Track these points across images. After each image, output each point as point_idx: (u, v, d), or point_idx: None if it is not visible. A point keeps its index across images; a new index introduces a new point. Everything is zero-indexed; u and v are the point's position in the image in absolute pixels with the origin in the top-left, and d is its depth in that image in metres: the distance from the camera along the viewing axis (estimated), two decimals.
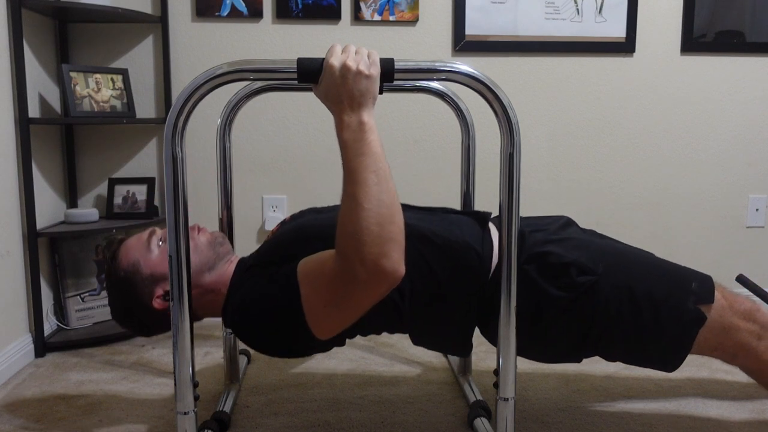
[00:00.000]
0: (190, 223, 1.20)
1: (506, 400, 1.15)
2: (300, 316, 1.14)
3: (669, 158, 2.41)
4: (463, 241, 1.30)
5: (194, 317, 1.25)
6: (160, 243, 1.32)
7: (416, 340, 1.39)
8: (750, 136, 2.42)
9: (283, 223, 1.46)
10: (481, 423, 1.43)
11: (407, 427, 1.48)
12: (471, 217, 1.41)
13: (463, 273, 1.28)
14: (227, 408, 1.53)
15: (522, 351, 1.31)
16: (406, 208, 1.39)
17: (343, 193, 1.09)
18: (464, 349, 1.38)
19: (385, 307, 1.23)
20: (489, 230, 1.36)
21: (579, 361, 1.37)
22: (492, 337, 1.35)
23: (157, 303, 1.28)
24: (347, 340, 1.32)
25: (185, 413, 1.11)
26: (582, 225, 1.51)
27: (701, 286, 1.31)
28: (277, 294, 1.17)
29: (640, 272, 1.31)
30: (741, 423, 1.49)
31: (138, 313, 1.31)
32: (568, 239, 1.36)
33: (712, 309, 1.29)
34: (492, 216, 1.43)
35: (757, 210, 2.45)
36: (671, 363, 1.33)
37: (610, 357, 1.36)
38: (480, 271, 1.29)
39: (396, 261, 1.07)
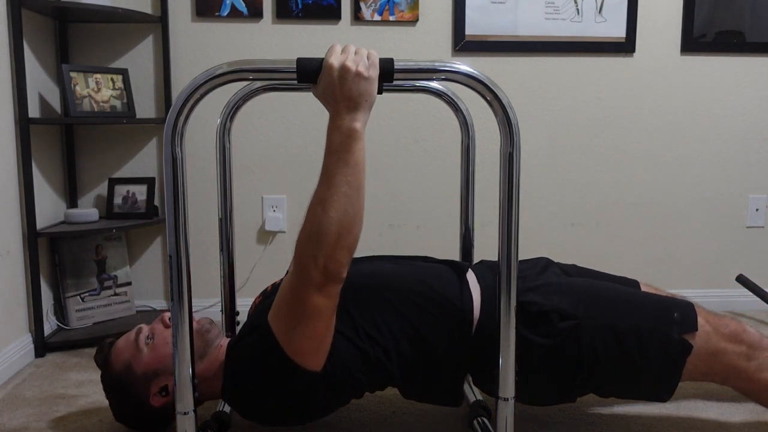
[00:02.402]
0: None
1: (506, 400, 1.15)
2: (282, 354, 1.17)
3: (669, 158, 2.41)
4: (440, 295, 1.30)
5: (195, 403, 1.24)
6: (149, 341, 1.33)
7: (406, 395, 1.40)
8: (750, 136, 2.42)
9: (264, 293, 1.46)
10: (481, 423, 1.43)
11: (407, 427, 1.48)
12: (449, 266, 1.41)
13: (444, 327, 1.29)
14: (227, 408, 1.53)
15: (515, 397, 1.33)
16: (384, 259, 1.44)
17: (315, 192, 1.12)
18: (454, 401, 1.38)
19: (373, 368, 1.26)
20: (467, 282, 1.35)
21: (573, 401, 1.39)
22: (486, 387, 1.36)
23: (155, 400, 1.31)
24: (347, 400, 1.33)
25: (185, 413, 1.11)
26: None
27: (683, 316, 1.30)
28: (257, 349, 1.21)
29: (622, 309, 1.32)
30: (741, 423, 1.49)
31: (139, 412, 1.34)
32: (547, 285, 1.36)
33: (697, 336, 1.29)
34: (471, 264, 1.46)
35: (757, 210, 2.45)
36: (663, 394, 1.34)
37: (602, 393, 1.38)
38: (461, 323, 1.29)
39: (343, 265, 1.13)
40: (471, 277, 1.38)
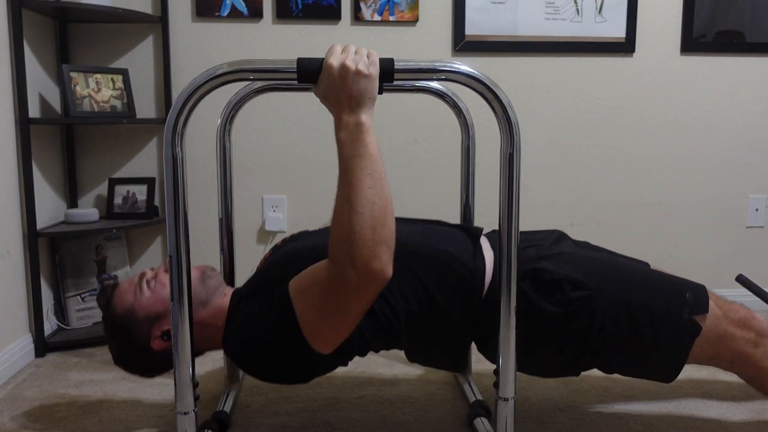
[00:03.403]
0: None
1: (506, 400, 1.15)
2: (297, 333, 1.16)
3: (669, 158, 2.41)
4: (455, 259, 1.30)
5: (195, 353, 1.25)
6: (151, 283, 1.32)
7: (411, 358, 1.39)
8: (750, 136, 2.42)
9: (275, 248, 1.46)
10: (481, 423, 1.43)
11: (407, 427, 1.48)
12: (463, 231, 1.41)
13: (456, 291, 1.29)
14: (227, 408, 1.53)
15: (520, 366, 1.32)
16: (397, 221, 1.41)
17: (338, 194, 1.10)
18: (459, 365, 1.39)
19: (381, 327, 1.25)
20: (480, 246, 1.35)
21: (577, 374, 1.38)
22: (490, 354, 1.36)
23: (156, 344, 1.30)
24: (348, 361, 1.32)
25: (185, 413, 1.11)
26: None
27: (695, 297, 1.31)
28: (272, 316, 1.19)
29: (635, 285, 1.32)
30: (741, 423, 1.49)
31: (139, 356, 1.33)
32: (561, 254, 1.36)
33: (707, 319, 1.29)
34: (484, 232, 1.44)
35: (757, 210, 2.45)
36: (669, 374, 1.34)
37: (607, 369, 1.38)
38: (472, 288, 1.29)
39: (385, 263, 1.08)
40: (485, 242, 1.38)
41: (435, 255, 1.30)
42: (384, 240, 1.08)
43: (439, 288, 1.28)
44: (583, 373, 1.76)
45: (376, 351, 1.35)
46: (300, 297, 1.17)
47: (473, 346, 1.43)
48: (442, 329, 1.31)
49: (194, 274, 1.34)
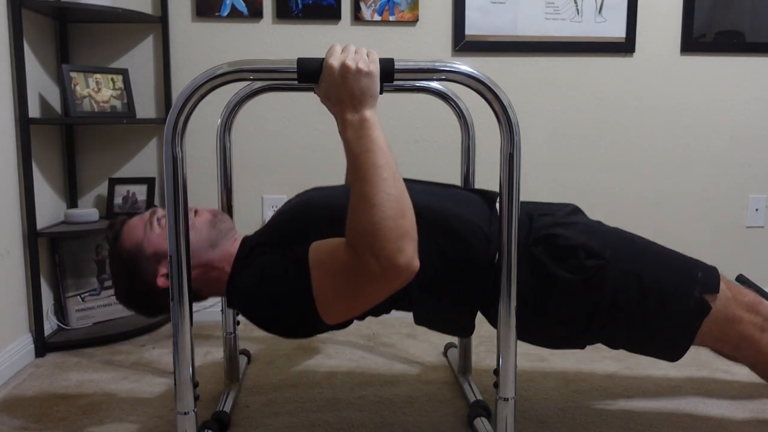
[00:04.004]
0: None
1: (506, 400, 1.15)
2: (309, 301, 1.14)
3: (669, 158, 2.41)
4: (472, 221, 1.29)
5: (197, 297, 1.25)
6: (162, 221, 1.31)
7: (419, 320, 1.37)
8: (750, 136, 2.42)
9: (288, 203, 1.44)
10: (481, 423, 1.43)
11: (407, 427, 1.48)
12: (479, 195, 1.40)
13: (471, 253, 1.27)
14: (227, 408, 1.53)
15: (526, 336, 1.32)
16: (414, 182, 1.38)
17: (352, 193, 1.09)
18: (466, 331, 1.36)
19: None
20: (497, 211, 1.33)
21: (582, 347, 1.36)
22: (495, 320, 1.34)
23: (161, 281, 1.28)
24: (356, 321, 1.30)
25: (185, 413, 1.11)
26: None
27: (707, 277, 1.30)
28: (287, 277, 1.16)
29: (648, 260, 1.31)
30: (741, 422, 1.49)
31: (142, 292, 1.31)
32: (577, 224, 1.35)
33: (717, 299, 1.29)
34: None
35: (757, 210, 2.45)
36: (675, 352, 1.33)
37: (613, 344, 1.35)
38: (487, 251, 1.28)
39: (410, 256, 1.07)
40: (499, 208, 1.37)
41: (450, 217, 1.28)
42: (406, 231, 1.07)
43: (452, 248, 1.27)
44: (583, 373, 1.77)
45: (388, 312, 1.33)
46: (318, 271, 1.14)
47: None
48: (452, 292, 1.29)
49: (206, 216, 1.33)
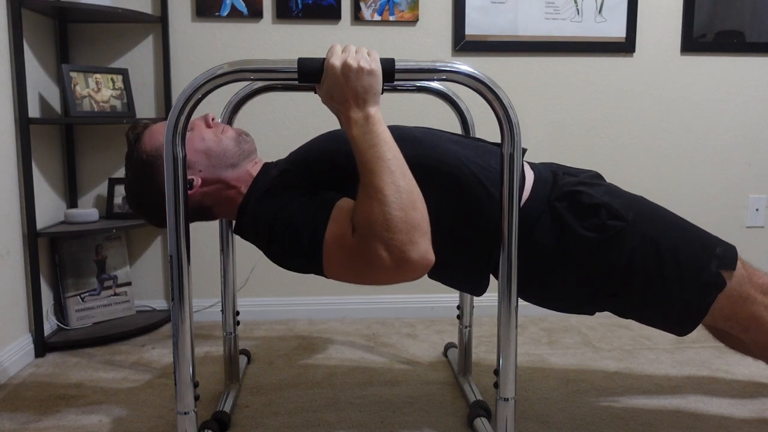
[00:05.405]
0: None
1: (506, 400, 1.15)
2: (318, 253, 1.13)
3: (669, 158, 2.41)
4: (497, 174, 1.25)
5: (210, 216, 1.24)
6: (187, 132, 1.28)
7: (432, 273, 1.33)
8: (750, 136, 2.42)
9: (323, 136, 1.41)
10: (481, 423, 1.43)
11: (407, 427, 1.49)
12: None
13: (494, 207, 1.24)
14: (227, 408, 1.53)
15: (539, 297, 1.31)
16: (440, 132, 1.37)
17: (360, 188, 1.09)
18: (478, 288, 1.34)
19: None
20: (523, 166, 1.33)
21: (592, 313, 1.34)
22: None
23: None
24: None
25: (185, 413, 1.11)
26: None
27: (726, 253, 1.30)
28: (305, 223, 1.15)
29: (669, 228, 1.31)
30: (741, 422, 1.49)
31: (155, 198, 1.29)
32: (600, 185, 1.35)
33: (733, 277, 1.28)
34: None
35: (757, 210, 2.45)
36: (686, 325, 1.31)
37: (624, 313, 1.34)
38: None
39: (424, 249, 1.07)
40: (525, 164, 1.36)
41: (473, 168, 1.27)
42: (417, 223, 1.07)
43: (475, 200, 1.25)
44: (582, 373, 1.77)
45: None
46: (335, 233, 1.12)
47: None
48: (471, 244, 1.28)
49: (230, 133, 1.32)
